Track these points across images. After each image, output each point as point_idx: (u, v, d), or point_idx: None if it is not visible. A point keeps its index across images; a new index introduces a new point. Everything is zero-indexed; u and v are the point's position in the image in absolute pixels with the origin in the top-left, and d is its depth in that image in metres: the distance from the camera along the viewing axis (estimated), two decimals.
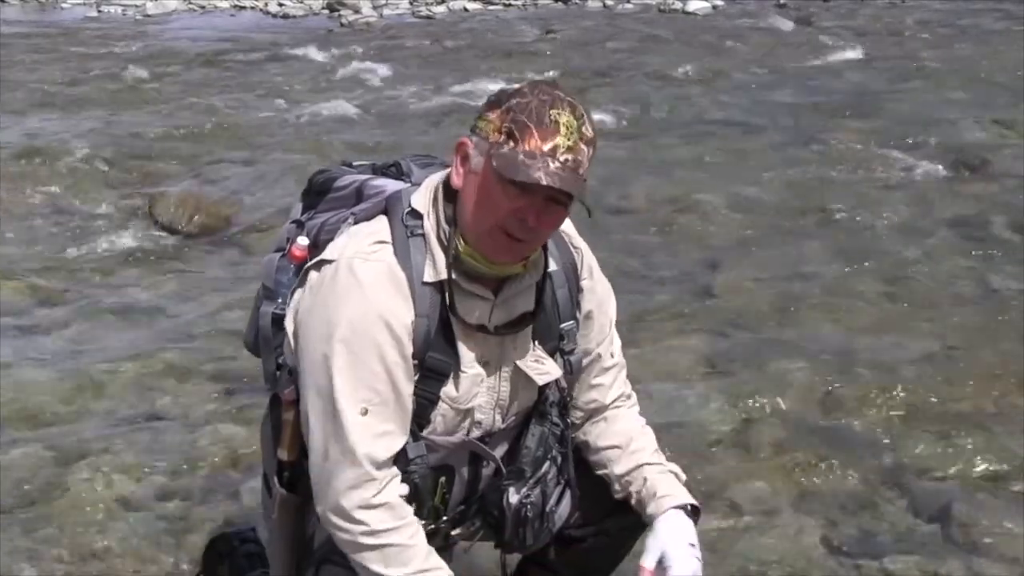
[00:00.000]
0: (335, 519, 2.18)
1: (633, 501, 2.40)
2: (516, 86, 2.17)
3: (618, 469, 2.43)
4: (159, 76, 12.22)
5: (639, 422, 2.51)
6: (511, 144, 2.07)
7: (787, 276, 5.76)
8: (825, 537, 3.44)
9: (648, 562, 2.29)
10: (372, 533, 2.15)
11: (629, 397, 2.53)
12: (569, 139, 2.07)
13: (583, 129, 2.09)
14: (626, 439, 2.45)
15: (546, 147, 2.06)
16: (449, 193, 2.20)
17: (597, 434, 2.47)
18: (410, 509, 2.22)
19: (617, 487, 2.44)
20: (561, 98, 2.10)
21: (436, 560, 2.21)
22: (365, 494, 2.15)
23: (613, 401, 2.49)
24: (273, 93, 11.20)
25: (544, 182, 2.04)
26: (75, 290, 5.75)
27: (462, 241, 2.17)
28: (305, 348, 2.20)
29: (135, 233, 6.65)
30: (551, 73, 11.56)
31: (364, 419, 2.14)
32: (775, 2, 17.88)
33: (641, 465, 2.41)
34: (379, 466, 2.16)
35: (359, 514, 2.15)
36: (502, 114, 2.10)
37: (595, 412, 2.48)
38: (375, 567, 2.16)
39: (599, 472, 2.47)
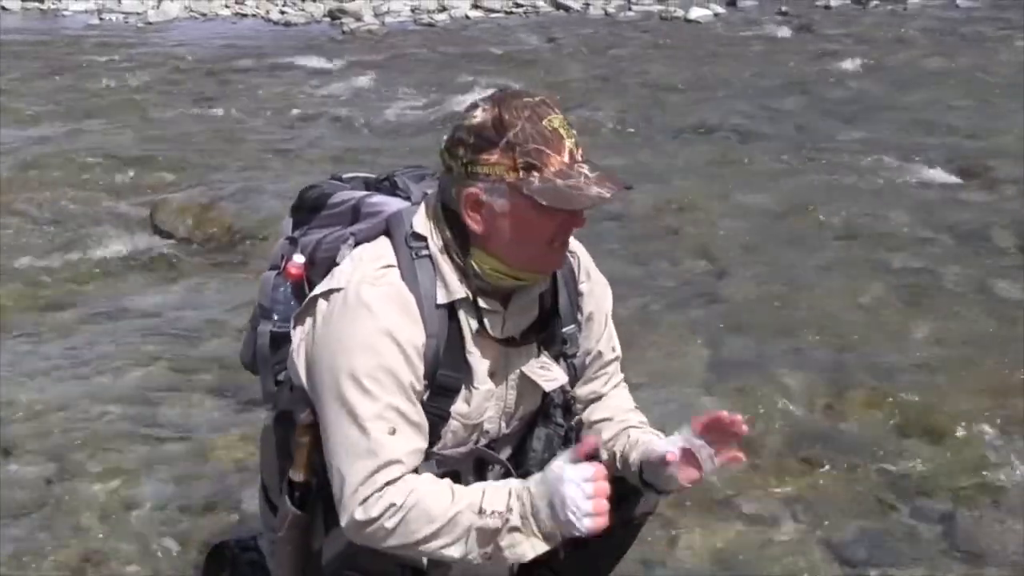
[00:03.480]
0: (363, 525, 2.14)
1: (617, 459, 2.42)
2: (481, 118, 2.12)
3: (605, 435, 2.47)
4: (160, 84, 12.23)
5: (631, 402, 2.57)
6: (537, 174, 2.09)
7: (789, 283, 5.76)
8: (827, 544, 3.43)
9: (672, 446, 2.27)
10: (398, 508, 2.11)
11: (622, 380, 2.58)
12: (571, 137, 2.13)
13: (562, 116, 2.15)
14: (615, 412, 2.51)
15: (565, 158, 2.11)
16: (453, 220, 2.20)
17: (590, 412, 2.52)
18: (420, 476, 2.18)
19: (603, 453, 2.43)
20: (535, 104, 2.13)
21: (462, 486, 2.19)
22: (381, 493, 2.12)
23: (611, 389, 2.54)
24: (274, 101, 11.22)
25: (607, 195, 2.10)
26: (76, 297, 5.76)
27: (495, 261, 2.18)
28: (322, 378, 2.20)
29: (136, 240, 6.65)
30: (550, 79, 11.58)
31: (392, 439, 2.14)
32: (776, 10, 17.91)
33: (627, 428, 2.46)
34: (398, 479, 2.15)
35: (379, 506, 2.11)
36: (505, 152, 2.10)
37: (593, 400, 2.52)
38: (422, 531, 2.11)
39: None
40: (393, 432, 2.14)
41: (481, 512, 2.10)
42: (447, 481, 2.18)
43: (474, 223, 2.16)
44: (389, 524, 2.12)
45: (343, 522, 2.17)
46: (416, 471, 2.20)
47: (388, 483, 2.12)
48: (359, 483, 2.13)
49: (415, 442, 2.17)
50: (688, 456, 2.26)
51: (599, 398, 2.52)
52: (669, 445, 2.28)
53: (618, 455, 2.42)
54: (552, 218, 2.12)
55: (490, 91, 2.33)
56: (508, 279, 2.21)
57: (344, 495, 2.15)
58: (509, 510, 2.10)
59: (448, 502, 2.12)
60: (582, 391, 2.49)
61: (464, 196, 2.15)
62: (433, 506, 2.12)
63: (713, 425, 2.25)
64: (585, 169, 2.11)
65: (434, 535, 2.12)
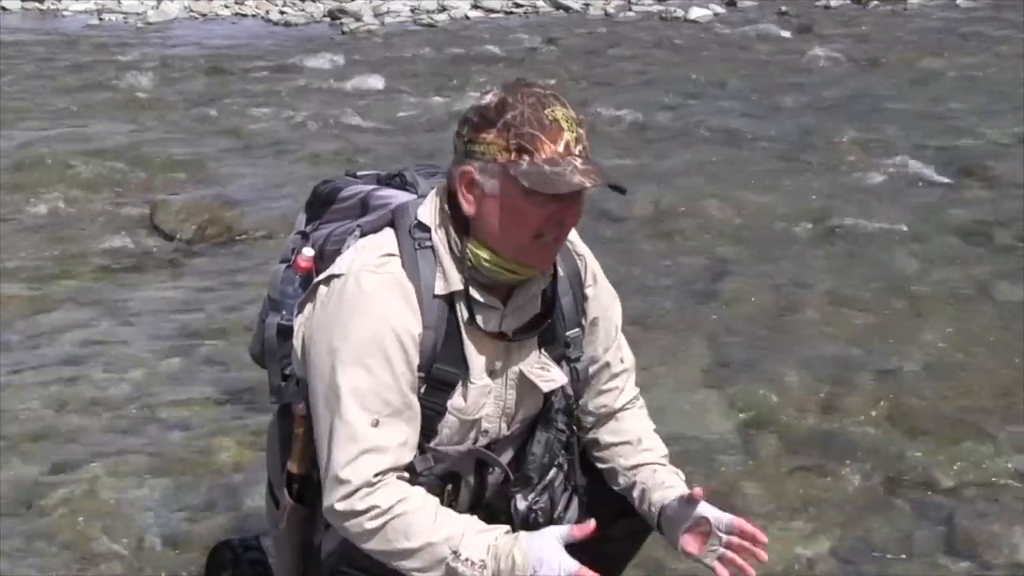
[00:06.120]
0: (343, 516, 2.15)
1: (636, 491, 2.40)
2: (488, 100, 2.14)
3: (626, 462, 2.43)
4: (161, 84, 12.23)
5: (650, 424, 2.53)
6: (527, 158, 2.08)
7: (789, 283, 5.76)
8: (827, 545, 3.44)
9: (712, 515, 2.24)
10: (382, 512, 2.12)
11: (638, 399, 2.54)
12: (572, 131, 2.10)
13: (573, 114, 2.13)
14: (636, 437, 2.46)
15: (560, 148, 2.08)
16: (455, 207, 2.19)
17: (607, 432, 2.48)
18: (413, 488, 2.18)
19: (621, 479, 2.43)
20: (543, 95, 2.12)
21: (451, 513, 2.18)
22: (371, 489, 2.13)
23: (623, 405, 2.49)
24: (274, 101, 11.21)
25: (588, 184, 2.06)
26: (76, 297, 5.75)
27: (487, 251, 2.16)
28: (315, 362, 2.20)
29: (136, 240, 6.65)
30: (552, 81, 11.56)
31: (375, 430, 2.13)
32: (776, 10, 17.93)
33: (652, 462, 2.42)
34: (387, 472, 2.14)
35: (364, 502, 2.12)
36: (501, 133, 2.09)
37: (605, 416, 2.48)
38: (397, 544, 2.12)
39: (605, 466, 2.47)
40: (376, 424, 2.13)
41: (456, 554, 2.09)
42: (435, 503, 2.17)
43: (467, 203, 2.16)
44: (369, 525, 2.13)
45: (324, 505, 2.18)
46: (410, 467, 2.19)
47: (378, 475, 2.12)
48: (341, 467, 2.13)
49: (401, 435, 2.16)
50: (704, 529, 2.24)
51: (612, 415, 2.48)
52: (705, 509, 2.24)
53: (637, 487, 2.40)
54: (538, 206, 2.09)
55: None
56: (503, 272, 2.18)
57: (327, 478, 2.16)
58: (484, 566, 2.09)
59: (429, 526, 2.11)
60: (593, 404, 2.46)
61: (460, 174, 2.15)
62: (414, 524, 2.11)
63: (747, 536, 2.21)
64: (577, 161, 2.08)
65: (407, 553, 2.12)
